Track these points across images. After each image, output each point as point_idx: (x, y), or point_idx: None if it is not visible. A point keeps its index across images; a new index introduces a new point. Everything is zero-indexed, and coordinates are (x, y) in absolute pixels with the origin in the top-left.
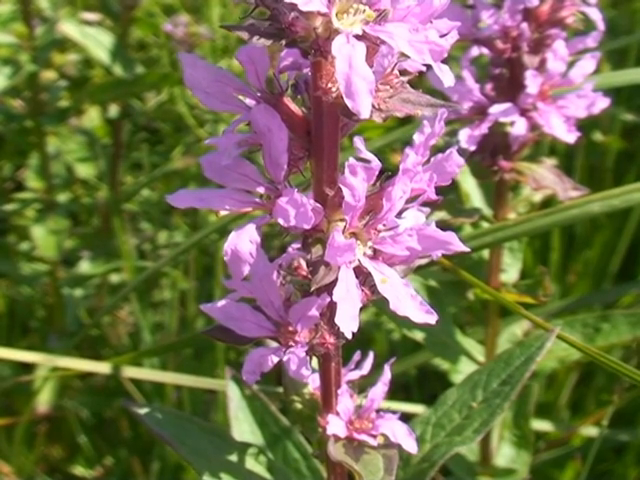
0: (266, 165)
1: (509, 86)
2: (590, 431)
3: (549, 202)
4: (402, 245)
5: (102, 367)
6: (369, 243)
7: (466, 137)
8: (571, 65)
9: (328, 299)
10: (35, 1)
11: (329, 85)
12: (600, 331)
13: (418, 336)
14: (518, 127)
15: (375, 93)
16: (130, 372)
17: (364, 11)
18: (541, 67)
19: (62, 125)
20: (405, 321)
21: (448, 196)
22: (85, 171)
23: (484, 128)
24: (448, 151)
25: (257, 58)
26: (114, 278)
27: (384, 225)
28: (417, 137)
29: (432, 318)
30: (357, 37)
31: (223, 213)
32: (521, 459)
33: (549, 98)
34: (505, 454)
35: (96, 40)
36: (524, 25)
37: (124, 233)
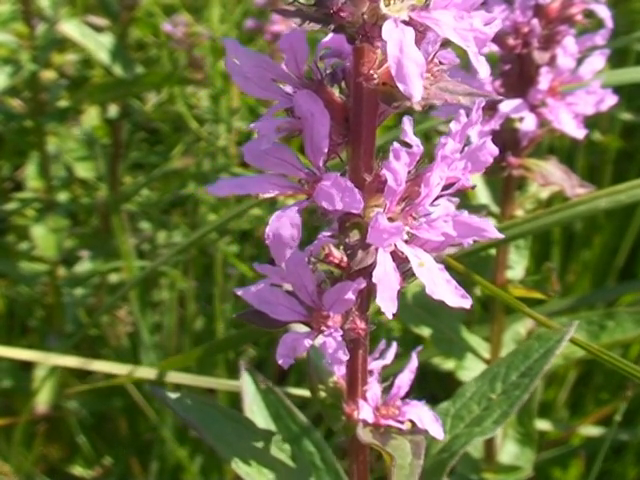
0: (307, 150)
1: (519, 82)
2: (590, 430)
3: (552, 200)
4: (438, 231)
5: (102, 366)
6: (406, 228)
7: (476, 132)
8: (579, 63)
9: (364, 284)
10: (35, 1)
11: (371, 72)
12: (605, 328)
13: (425, 332)
14: (527, 123)
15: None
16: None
17: None
18: (551, 63)
19: (62, 125)
20: (412, 317)
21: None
22: (84, 171)
23: (494, 124)
24: (481, 140)
25: (297, 45)
26: (113, 278)
27: (418, 211)
28: (454, 125)
29: (467, 302)
30: (404, 23)
31: (264, 196)
32: (525, 456)
33: (558, 94)
34: (509, 451)
35: (96, 40)
36: (535, 21)
37: (123, 233)
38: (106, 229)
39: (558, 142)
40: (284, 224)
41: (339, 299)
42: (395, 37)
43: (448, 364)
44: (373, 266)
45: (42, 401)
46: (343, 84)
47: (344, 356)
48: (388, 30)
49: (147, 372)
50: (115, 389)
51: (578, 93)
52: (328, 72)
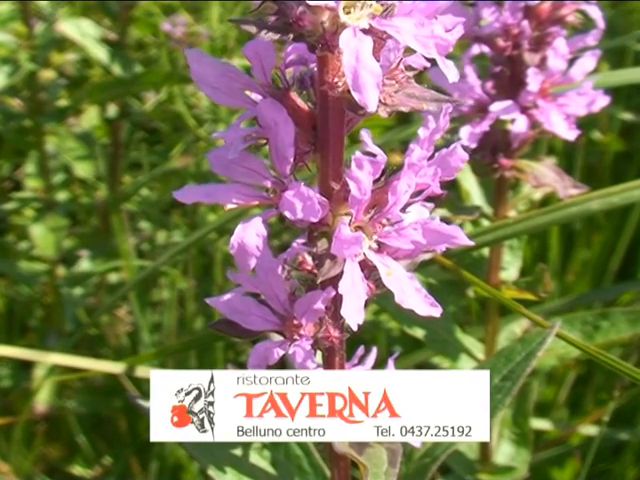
0: (272, 159)
1: (510, 84)
2: (589, 430)
3: (547, 200)
4: (407, 239)
5: (102, 365)
6: (374, 237)
7: (467, 135)
8: (571, 63)
9: (333, 292)
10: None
11: (335, 79)
12: (599, 329)
13: (419, 333)
14: (519, 124)
15: (381, 87)
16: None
17: (371, 5)
18: (542, 65)
19: (61, 124)
20: (406, 318)
21: (448, 194)
22: (84, 170)
23: (485, 126)
24: (452, 146)
25: (263, 53)
26: (113, 277)
27: (389, 219)
28: (422, 132)
29: (436, 311)
30: (364, 31)
31: (230, 207)
32: (520, 457)
33: (549, 96)
34: (505, 452)
35: (95, 40)
36: (525, 23)
37: (123, 232)
38: (106, 229)
39: (558, 142)
40: (249, 234)
41: (310, 308)
42: (352, 46)
43: (447, 364)
44: (341, 275)
45: (42, 401)
46: (312, 91)
47: (313, 365)
48: (345, 39)
49: (143, 371)
50: (115, 388)
51: (569, 94)
52: (297, 79)
